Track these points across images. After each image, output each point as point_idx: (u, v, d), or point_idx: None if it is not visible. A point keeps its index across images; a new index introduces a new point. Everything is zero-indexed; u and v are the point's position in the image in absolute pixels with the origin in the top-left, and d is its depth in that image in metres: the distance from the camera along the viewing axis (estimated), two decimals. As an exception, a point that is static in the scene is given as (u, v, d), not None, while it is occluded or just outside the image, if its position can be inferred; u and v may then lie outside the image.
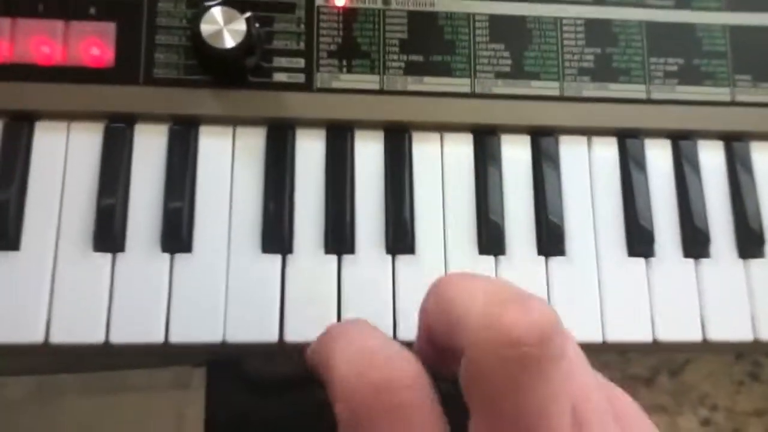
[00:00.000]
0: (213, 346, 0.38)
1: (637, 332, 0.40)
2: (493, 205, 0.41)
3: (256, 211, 0.40)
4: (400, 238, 0.40)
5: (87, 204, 0.39)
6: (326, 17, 0.43)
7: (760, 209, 0.43)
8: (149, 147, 0.40)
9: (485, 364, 0.21)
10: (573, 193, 0.43)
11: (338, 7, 0.43)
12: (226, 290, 0.38)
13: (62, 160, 0.39)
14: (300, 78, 0.41)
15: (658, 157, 0.44)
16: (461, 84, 0.43)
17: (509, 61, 0.43)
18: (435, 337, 0.26)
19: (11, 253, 0.38)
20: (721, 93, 0.44)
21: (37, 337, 0.37)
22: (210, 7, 0.38)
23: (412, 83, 0.42)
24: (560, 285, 0.41)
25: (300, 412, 0.34)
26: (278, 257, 0.39)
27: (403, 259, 0.40)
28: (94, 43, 0.40)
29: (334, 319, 0.39)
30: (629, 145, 0.44)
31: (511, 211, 0.42)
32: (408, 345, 0.26)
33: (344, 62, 0.42)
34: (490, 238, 0.41)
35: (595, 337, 0.40)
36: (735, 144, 0.44)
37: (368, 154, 0.42)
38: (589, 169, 0.43)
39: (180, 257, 0.39)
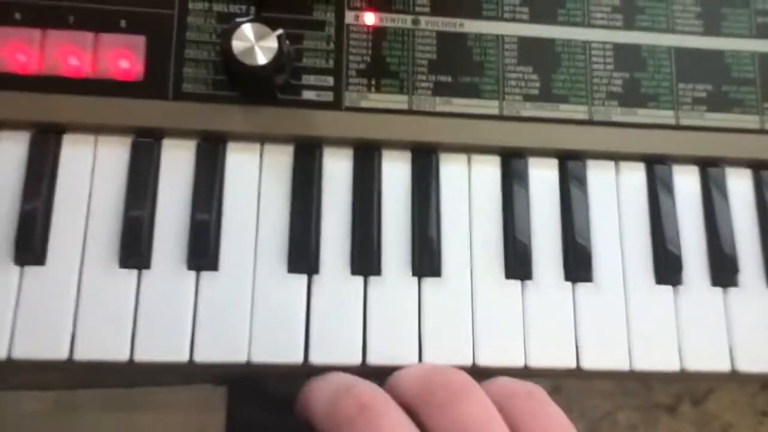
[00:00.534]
0: (237, 366, 0.37)
1: (665, 361, 0.40)
2: (520, 229, 0.41)
3: (282, 230, 0.40)
4: (426, 260, 0.40)
5: (113, 219, 0.38)
6: (356, 36, 0.42)
7: (788, 238, 0.43)
8: (176, 163, 0.40)
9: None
10: (600, 219, 0.42)
11: (368, 26, 0.43)
12: (251, 310, 0.38)
13: (89, 174, 0.39)
14: (329, 96, 0.41)
15: (686, 183, 0.44)
16: (489, 106, 0.42)
17: (538, 84, 0.43)
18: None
19: (37, 268, 0.37)
20: (750, 120, 0.44)
21: (61, 353, 0.36)
22: (242, 23, 0.38)
23: (441, 104, 0.42)
24: (587, 312, 0.40)
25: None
26: (304, 277, 0.39)
27: (429, 282, 0.40)
28: (123, 56, 0.40)
29: (359, 342, 0.38)
30: (657, 170, 0.43)
31: (538, 235, 0.41)
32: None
33: (373, 81, 0.42)
34: (517, 263, 0.41)
35: (623, 366, 0.39)
36: (763, 172, 0.44)
37: (395, 175, 0.42)
38: (616, 195, 0.43)
39: (206, 275, 0.38)
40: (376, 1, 0.43)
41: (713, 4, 0.45)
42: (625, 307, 0.41)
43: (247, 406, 0.42)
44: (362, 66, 0.42)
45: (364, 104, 0.41)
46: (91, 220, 0.38)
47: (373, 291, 0.39)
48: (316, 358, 0.38)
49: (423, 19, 0.43)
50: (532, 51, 0.44)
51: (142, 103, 0.40)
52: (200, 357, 0.37)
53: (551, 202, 0.42)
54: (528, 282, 0.41)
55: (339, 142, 0.41)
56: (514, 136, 0.42)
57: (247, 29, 0.38)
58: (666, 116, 0.44)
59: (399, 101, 0.42)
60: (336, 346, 0.38)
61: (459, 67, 0.43)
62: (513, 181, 0.42)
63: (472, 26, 0.43)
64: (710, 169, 0.44)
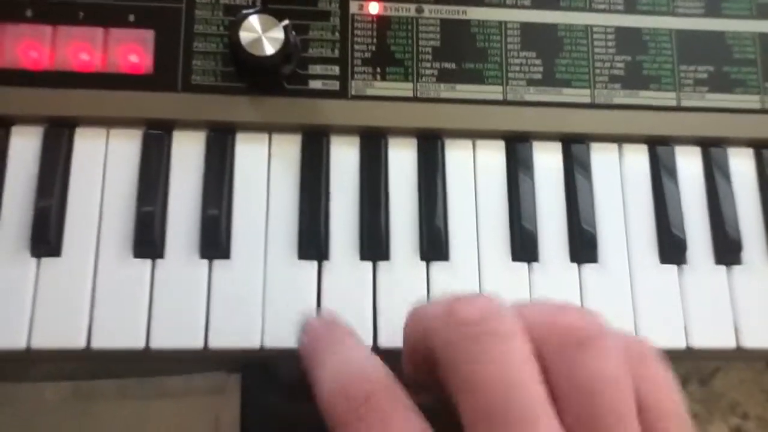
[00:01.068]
0: (250, 351, 0.38)
1: (670, 339, 0.41)
2: (525, 212, 0.42)
3: (292, 218, 0.40)
4: (434, 245, 0.41)
5: (126, 210, 0.39)
6: (360, 25, 0.43)
7: (791, 216, 0.43)
8: (187, 154, 0.41)
9: (443, 343, 0.26)
10: (604, 200, 0.43)
11: (372, 15, 0.43)
12: (263, 296, 0.39)
13: (101, 166, 0.40)
14: (335, 85, 0.42)
15: (689, 163, 0.44)
16: (493, 91, 0.43)
17: (541, 69, 0.44)
18: (415, 354, 0.30)
19: (53, 260, 0.38)
20: (752, 100, 0.45)
21: (79, 342, 0.37)
22: (248, 15, 0.39)
23: (445, 90, 0.43)
24: (593, 292, 0.41)
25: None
26: (314, 263, 0.40)
27: (437, 266, 0.41)
28: (132, 50, 0.40)
29: (370, 325, 0.39)
30: (660, 152, 0.44)
31: (544, 217, 0.42)
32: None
33: (378, 70, 0.42)
34: (523, 245, 0.41)
35: (629, 344, 0.40)
36: (765, 151, 0.45)
37: (402, 161, 0.42)
38: (620, 176, 0.43)
39: (218, 263, 0.39)
40: (380, -10, 0.44)
41: (713, -15, 0.46)
42: (631, 287, 0.41)
43: (261, 392, 0.42)
44: (367, 55, 0.43)
45: (369, 92, 0.42)
46: (105, 211, 0.39)
47: (382, 276, 0.40)
48: (328, 342, 0.38)
49: (426, 7, 0.44)
50: (535, 36, 0.44)
51: (152, 95, 0.40)
52: (214, 343, 0.38)
53: (556, 184, 0.43)
54: (534, 264, 0.41)
55: (346, 130, 0.42)
56: (518, 121, 0.43)
57: (254, 20, 0.39)
58: (668, 98, 0.44)
59: (404, 89, 0.42)
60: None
61: (463, 54, 0.43)
62: (518, 165, 0.43)
63: (475, 13, 0.44)
64: (712, 149, 0.44)
